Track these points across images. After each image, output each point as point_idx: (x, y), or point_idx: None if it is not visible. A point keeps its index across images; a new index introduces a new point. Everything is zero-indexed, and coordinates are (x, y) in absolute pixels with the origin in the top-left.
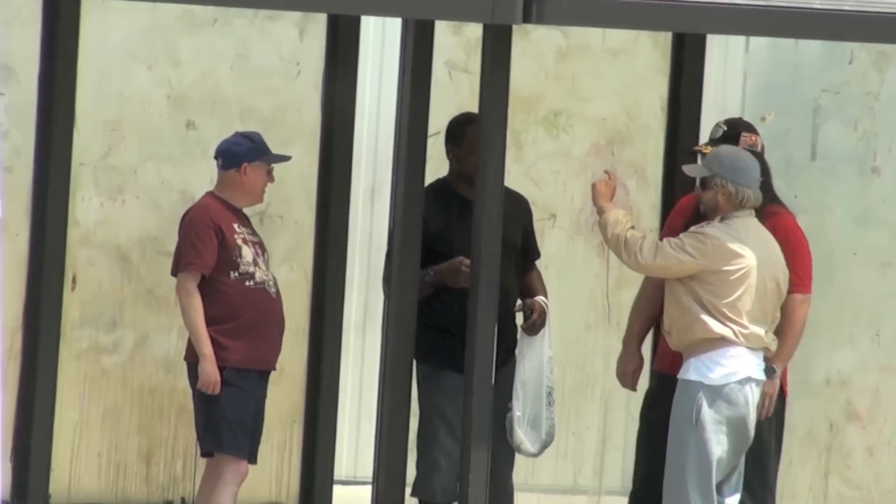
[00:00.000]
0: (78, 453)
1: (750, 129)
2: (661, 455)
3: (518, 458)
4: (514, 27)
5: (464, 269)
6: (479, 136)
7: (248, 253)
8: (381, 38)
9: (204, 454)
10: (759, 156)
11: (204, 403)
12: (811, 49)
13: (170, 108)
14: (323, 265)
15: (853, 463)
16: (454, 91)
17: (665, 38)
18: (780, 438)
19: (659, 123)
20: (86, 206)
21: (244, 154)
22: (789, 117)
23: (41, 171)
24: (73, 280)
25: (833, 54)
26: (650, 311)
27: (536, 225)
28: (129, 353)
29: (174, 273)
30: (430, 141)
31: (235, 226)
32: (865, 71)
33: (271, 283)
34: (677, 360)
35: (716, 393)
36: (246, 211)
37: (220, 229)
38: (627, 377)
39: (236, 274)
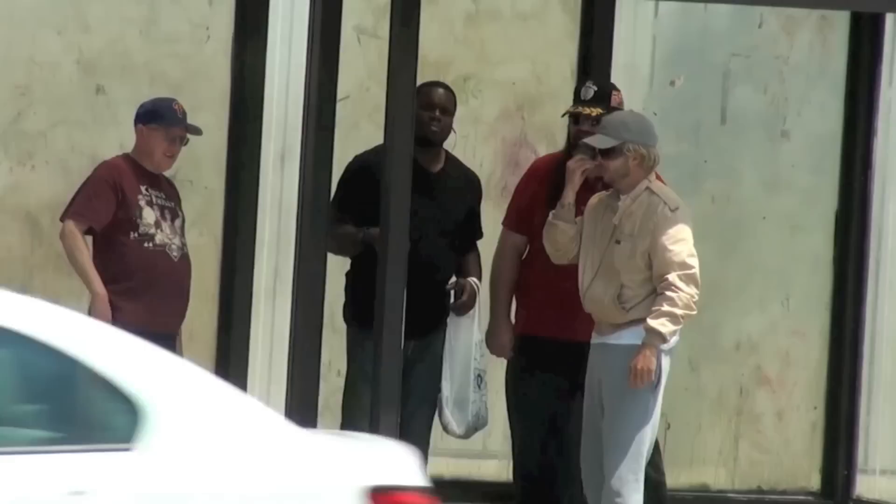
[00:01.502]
0: None
1: (615, 87)
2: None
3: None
4: None
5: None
6: (386, 101)
7: (149, 215)
8: (290, 3)
9: None
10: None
11: None
12: (720, 13)
13: (79, 73)
14: (233, 230)
15: (763, 427)
16: (363, 56)
17: (574, 3)
18: None
19: (569, 88)
20: None
21: (139, 116)
22: (699, 82)
23: None
24: None
25: (742, 19)
26: (514, 278)
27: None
28: None
29: (62, 219)
30: (339, 105)
31: (143, 188)
32: (775, 35)
33: (175, 247)
34: (546, 322)
35: (669, 356)
36: None
37: (121, 188)
38: (505, 347)
39: (136, 234)
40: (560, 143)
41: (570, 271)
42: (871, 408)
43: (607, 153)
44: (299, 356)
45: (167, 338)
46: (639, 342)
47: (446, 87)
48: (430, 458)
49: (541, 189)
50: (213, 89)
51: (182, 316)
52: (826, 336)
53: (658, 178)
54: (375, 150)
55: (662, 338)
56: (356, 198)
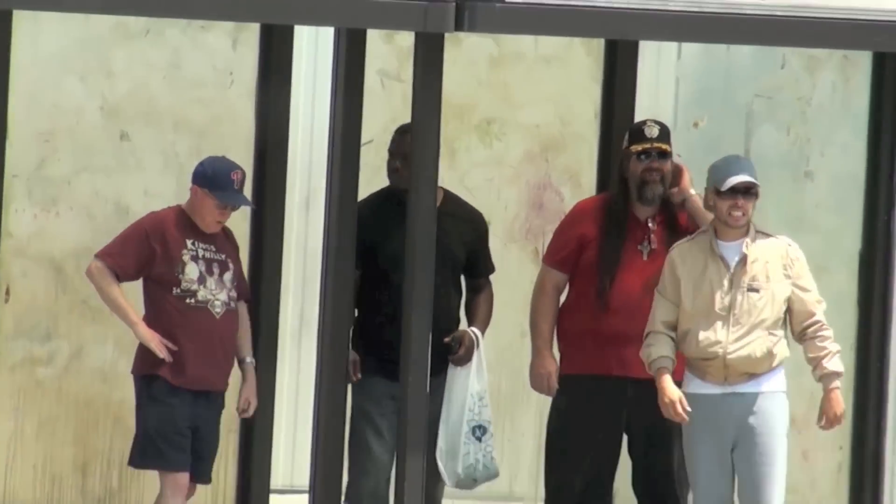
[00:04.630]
0: (13, 465)
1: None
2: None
3: None
4: (447, 35)
5: None
6: (412, 144)
7: (193, 270)
8: (314, 47)
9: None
10: None
11: (138, 418)
12: (743, 54)
13: (103, 119)
14: (258, 274)
15: (789, 467)
16: (387, 99)
17: (598, 45)
18: None
19: (592, 130)
20: (19, 218)
21: (196, 176)
22: (722, 123)
23: None
24: (7, 292)
25: (765, 59)
26: (555, 314)
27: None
28: (65, 365)
29: (96, 255)
30: (363, 149)
31: (190, 242)
32: (797, 75)
33: (219, 303)
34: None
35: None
36: None
37: (163, 242)
38: (547, 382)
39: (178, 290)
40: (585, 184)
41: (616, 310)
42: None
43: (749, 194)
44: (325, 400)
45: (207, 396)
46: (778, 386)
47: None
48: (454, 500)
49: (589, 231)
50: (238, 134)
51: (226, 373)
52: (851, 376)
53: None
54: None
55: (840, 377)
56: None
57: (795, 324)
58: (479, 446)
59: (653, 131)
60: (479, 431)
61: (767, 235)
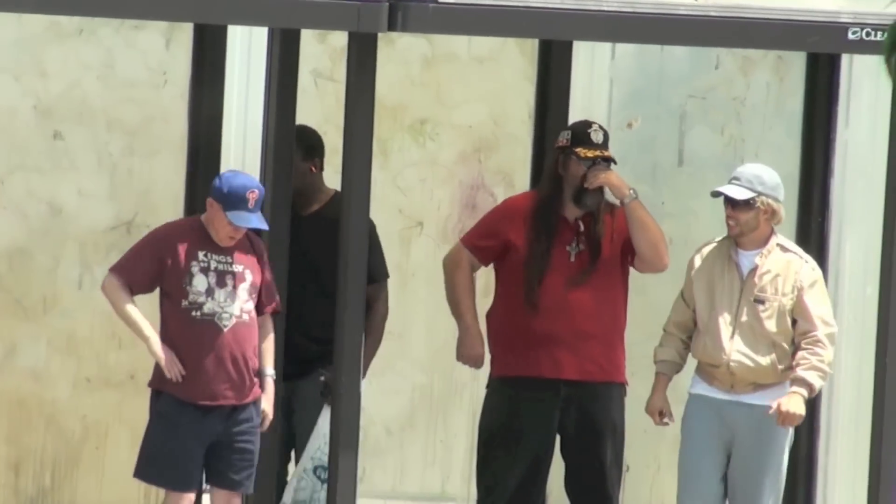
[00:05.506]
0: None
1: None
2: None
3: (388, 463)
4: (380, 35)
5: None
6: (344, 144)
7: (201, 282)
8: (247, 47)
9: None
10: None
11: (146, 430)
12: (677, 55)
13: (37, 118)
14: None
15: None
16: (320, 99)
17: (531, 45)
18: None
19: (526, 130)
20: None
21: (214, 190)
22: (656, 123)
23: None
24: None
25: (699, 60)
26: (473, 289)
27: (403, 233)
28: None
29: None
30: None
31: (202, 254)
32: (731, 76)
33: (226, 315)
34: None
35: None
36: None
37: (173, 254)
38: (479, 357)
39: (185, 303)
40: (518, 185)
41: (544, 311)
42: (829, 448)
43: (738, 205)
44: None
45: (221, 410)
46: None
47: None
48: (386, 501)
49: (517, 236)
50: (171, 133)
51: (242, 385)
52: None
53: None
54: None
55: (812, 390)
56: None
57: (796, 338)
58: (319, 485)
59: (598, 136)
60: (320, 471)
61: (787, 251)
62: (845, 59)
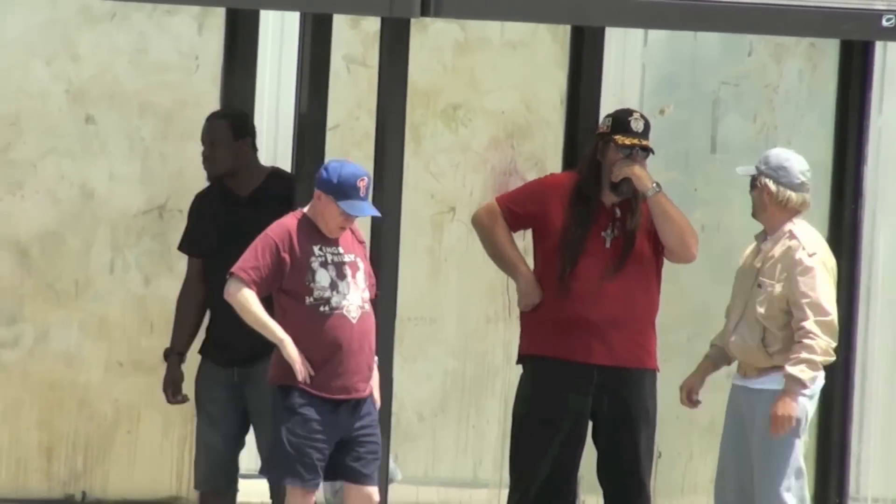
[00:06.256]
0: None
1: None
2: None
3: (420, 449)
4: (413, 20)
5: None
6: (376, 130)
7: (323, 277)
8: (279, 32)
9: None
10: None
11: (274, 429)
12: (710, 41)
13: (69, 102)
14: None
15: None
16: (352, 85)
17: (564, 31)
18: None
19: (558, 116)
20: None
21: (321, 183)
22: (689, 110)
23: None
24: None
25: (732, 47)
26: (512, 238)
27: (435, 219)
28: (30, 348)
29: (229, 274)
30: (328, 134)
31: (317, 248)
32: (764, 63)
33: (354, 307)
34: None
35: (812, 400)
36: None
37: (292, 251)
38: (536, 294)
39: (311, 299)
40: (550, 170)
41: (576, 296)
42: (862, 436)
43: (752, 184)
44: None
45: (348, 403)
46: (780, 387)
47: (220, 116)
48: (419, 487)
49: (555, 213)
50: (203, 118)
51: (367, 377)
52: None
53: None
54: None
55: (802, 384)
56: (194, 228)
57: (792, 326)
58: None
59: (638, 125)
60: None
61: (793, 237)
62: (879, 46)
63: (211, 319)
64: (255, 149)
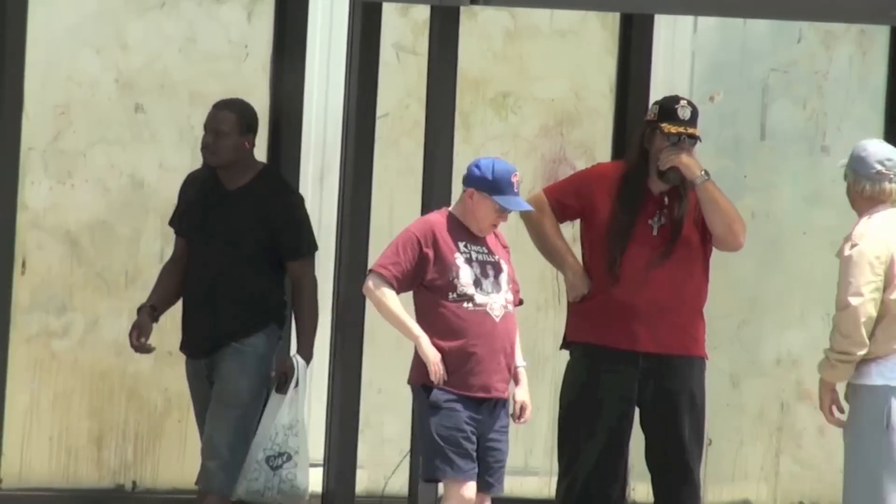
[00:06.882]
0: (29, 438)
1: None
2: (593, 432)
3: None
4: (462, 8)
5: None
6: (426, 117)
7: (467, 274)
8: (329, 20)
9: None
10: None
11: (421, 429)
12: (759, 28)
13: (118, 91)
14: None
15: (804, 443)
16: (402, 73)
17: (613, 19)
18: None
19: (608, 104)
20: (35, 191)
21: (474, 180)
22: (738, 97)
23: None
24: (23, 264)
25: (781, 33)
26: (558, 231)
27: None
28: (80, 337)
29: (369, 271)
30: (378, 122)
31: (461, 244)
32: (814, 50)
33: (497, 305)
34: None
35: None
36: None
37: (435, 247)
38: (584, 284)
39: (454, 295)
40: (599, 158)
41: (623, 284)
42: None
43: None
44: (340, 374)
45: (487, 403)
46: (864, 380)
47: (229, 107)
48: None
49: (602, 203)
50: (254, 107)
51: (506, 378)
52: None
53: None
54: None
55: (825, 382)
56: (180, 208)
57: None
58: (271, 474)
59: (685, 112)
60: (281, 459)
61: (853, 229)
62: None
63: (182, 310)
64: (253, 146)
